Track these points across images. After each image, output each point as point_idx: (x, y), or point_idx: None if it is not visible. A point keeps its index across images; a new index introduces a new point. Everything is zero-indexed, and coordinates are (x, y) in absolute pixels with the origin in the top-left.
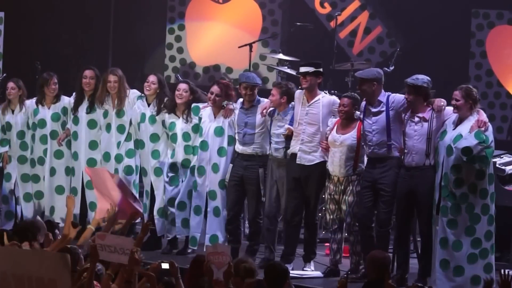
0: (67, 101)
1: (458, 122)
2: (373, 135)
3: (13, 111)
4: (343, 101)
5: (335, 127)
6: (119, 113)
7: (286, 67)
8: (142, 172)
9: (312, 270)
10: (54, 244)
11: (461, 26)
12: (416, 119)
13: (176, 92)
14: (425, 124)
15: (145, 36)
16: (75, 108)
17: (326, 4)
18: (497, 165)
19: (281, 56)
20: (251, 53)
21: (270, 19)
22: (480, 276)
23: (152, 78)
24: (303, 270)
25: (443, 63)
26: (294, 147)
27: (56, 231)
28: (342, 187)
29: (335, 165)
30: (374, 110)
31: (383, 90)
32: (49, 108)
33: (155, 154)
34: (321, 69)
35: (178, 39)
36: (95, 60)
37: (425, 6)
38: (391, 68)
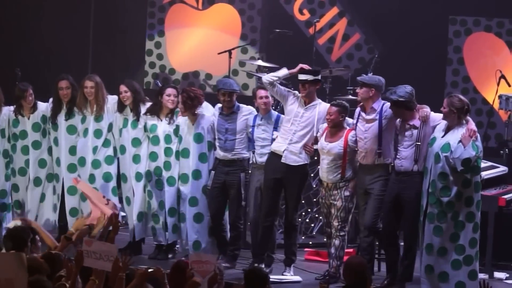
0: (44, 107)
1: (446, 130)
2: (364, 143)
3: None
4: (330, 110)
5: (324, 134)
6: (97, 119)
7: (265, 74)
8: (122, 178)
9: (292, 275)
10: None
11: (438, 33)
12: (407, 126)
13: (167, 98)
14: (415, 131)
15: (124, 42)
16: (54, 116)
17: (305, 11)
18: None
19: (260, 62)
20: (231, 59)
21: (249, 26)
22: (465, 282)
23: (123, 88)
24: (282, 274)
25: (421, 70)
26: (281, 146)
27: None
28: (331, 192)
29: (323, 171)
30: (367, 117)
31: (380, 99)
32: (28, 119)
33: (136, 158)
34: (319, 77)
35: (158, 45)
36: (75, 67)
37: (403, 13)
38: (370, 74)
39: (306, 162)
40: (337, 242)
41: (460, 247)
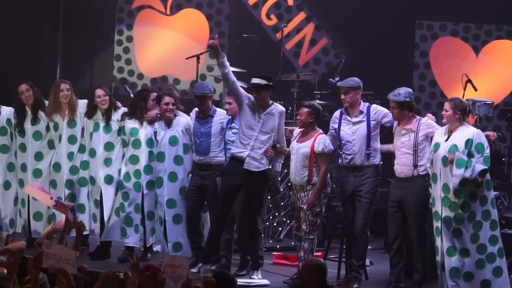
0: (8, 111)
1: (449, 133)
2: (353, 145)
3: None
4: (301, 110)
5: (298, 135)
6: (71, 124)
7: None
8: (90, 181)
9: (260, 278)
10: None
11: (405, 37)
12: (403, 131)
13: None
14: (412, 135)
15: (93, 48)
16: (20, 122)
17: (272, 16)
18: None
19: None
20: (199, 64)
21: (217, 31)
22: (490, 280)
23: (101, 91)
24: (250, 278)
25: (388, 74)
26: (242, 152)
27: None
28: (298, 195)
29: (292, 172)
30: (354, 119)
31: (362, 101)
32: None
33: (108, 162)
34: (271, 83)
35: (126, 50)
36: (43, 73)
37: (370, 18)
38: (337, 79)
39: (267, 168)
40: (306, 245)
41: (481, 246)
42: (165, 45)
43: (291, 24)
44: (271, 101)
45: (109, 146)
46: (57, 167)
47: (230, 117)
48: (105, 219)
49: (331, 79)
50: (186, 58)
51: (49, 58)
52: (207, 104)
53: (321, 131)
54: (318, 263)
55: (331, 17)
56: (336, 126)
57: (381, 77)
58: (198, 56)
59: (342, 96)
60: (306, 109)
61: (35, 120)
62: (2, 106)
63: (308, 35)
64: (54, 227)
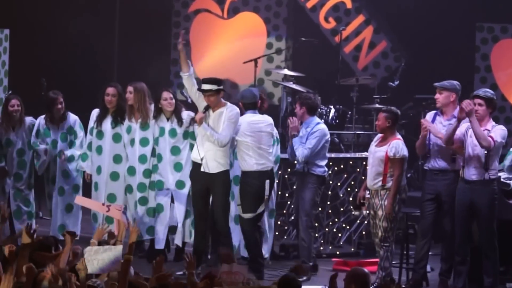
0: (73, 120)
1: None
2: (440, 148)
3: (13, 128)
4: (378, 115)
5: (378, 140)
6: (144, 127)
7: (292, 83)
8: (158, 185)
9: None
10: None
11: (465, 40)
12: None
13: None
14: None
15: (149, 52)
16: (99, 122)
17: (330, 19)
18: (502, 180)
19: (286, 71)
20: (256, 68)
21: (274, 35)
22: None
23: (168, 94)
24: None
25: (448, 77)
26: (198, 154)
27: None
28: (373, 201)
29: (368, 177)
30: (446, 122)
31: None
32: (58, 128)
33: (178, 166)
34: (222, 87)
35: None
36: (99, 77)
37: (430, 20)
38: (396, 83)
39: (226, 169)
40: (381, 252)
41: None
42: (222, 49)
43: (349, 27)
44: (227, 103)
45: (176, 150)
46: (131, 170)
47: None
48: (179, 224)
49: (391, 83)
50: (244, 62)
51: (105, 62)
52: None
53: (399, 136)
54: (358, 272)
55: (390, 20)
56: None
57: (441, 80)
58: (256, 60)
59: (436, 96)
60: (383, 114)
61: (115, 123)
62: (69, 113)
63: (367, 38)
64: (104, 231)
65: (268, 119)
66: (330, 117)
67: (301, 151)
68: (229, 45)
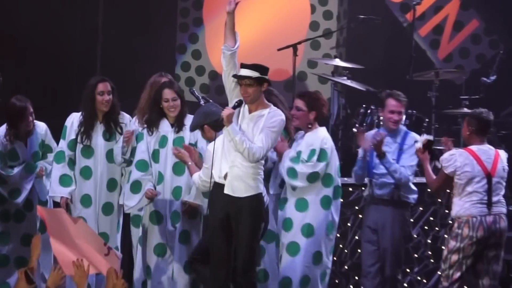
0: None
1: None
2: None
3: None
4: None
5: None
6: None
7: (345, 77)
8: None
9: None
10: None
11: None
12: None
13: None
14: None
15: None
16: (86, 134)
17: None
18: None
19: (337, 62)
20: (296, 57)
21: (321, 11)
22: None
23: (172, 94)
24: None
25: None
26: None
27: None
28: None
29: None
30: None
31: None
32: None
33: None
34: (266, 76)
35: (194, 39)
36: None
37: None
38: (492, 78)
39: (258, 192)
40: None
41: None
42: (248, 32)
43: (426, 1)
44: (270, 105)
45: (179, 168)
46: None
47: None
48: None
49: (485, 78)
50: (278, 49)
51: (87, 56)
52: None
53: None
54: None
55: None
56: None
57: None
58: (295, 47)
59: None
60: (465, 119)
61: (109, 134)
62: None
63: (451, 16)
64: (61, 274)
65: None
66: None
67: (403, 171)
68: (256, 26)
